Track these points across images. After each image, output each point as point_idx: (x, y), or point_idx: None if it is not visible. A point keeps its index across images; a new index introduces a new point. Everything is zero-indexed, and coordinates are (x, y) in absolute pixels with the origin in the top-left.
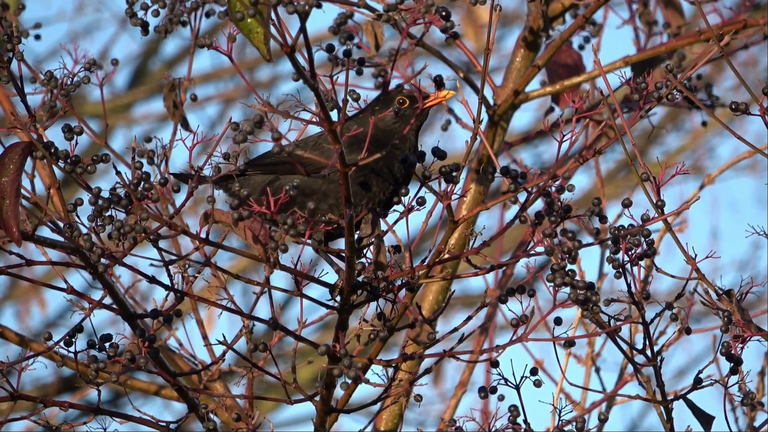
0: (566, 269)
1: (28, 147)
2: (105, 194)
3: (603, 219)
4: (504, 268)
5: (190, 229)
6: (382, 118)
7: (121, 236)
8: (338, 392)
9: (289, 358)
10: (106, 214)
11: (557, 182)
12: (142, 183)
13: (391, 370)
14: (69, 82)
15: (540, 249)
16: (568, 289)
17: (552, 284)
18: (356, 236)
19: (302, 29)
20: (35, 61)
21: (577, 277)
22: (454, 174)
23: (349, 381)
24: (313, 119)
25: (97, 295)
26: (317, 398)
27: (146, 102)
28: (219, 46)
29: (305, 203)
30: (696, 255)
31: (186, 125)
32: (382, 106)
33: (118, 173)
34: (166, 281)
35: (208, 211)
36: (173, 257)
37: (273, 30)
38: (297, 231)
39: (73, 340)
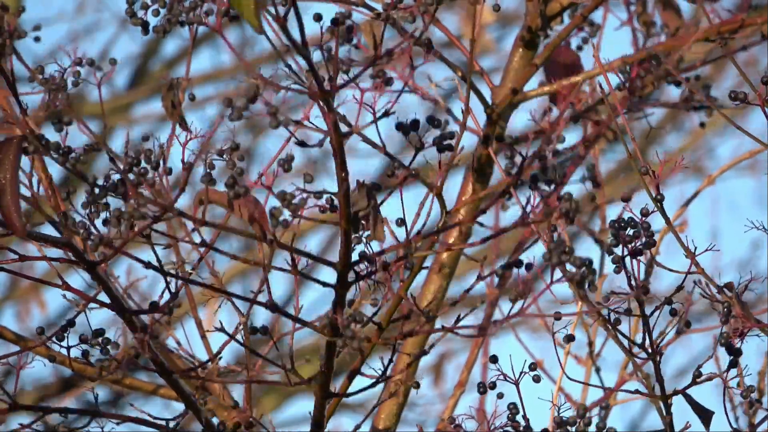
0: (563, 245)
1: (21, 141)
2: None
3: (597, 184)
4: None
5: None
6: None
7: (118, 221)
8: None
9: (287, 358)
10: (102, 201)
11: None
12: (135, 167)
13: (389, 357)
14: (68, 82)
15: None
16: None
17: (548, 261)
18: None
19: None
20: (34, 61)
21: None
22: (449, 143)
23: (353, 351)
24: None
25: (101, 295)
26: (315, 382)
27: (146, 102)
28: (208, 22)
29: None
30: (696, 248)
31: (184, 125)
32: None
33: (112, 160)
34: (164, 284)
35: (201, 192)
36: (171, 250)
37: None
38: (295, 205)
39: (65, 334)
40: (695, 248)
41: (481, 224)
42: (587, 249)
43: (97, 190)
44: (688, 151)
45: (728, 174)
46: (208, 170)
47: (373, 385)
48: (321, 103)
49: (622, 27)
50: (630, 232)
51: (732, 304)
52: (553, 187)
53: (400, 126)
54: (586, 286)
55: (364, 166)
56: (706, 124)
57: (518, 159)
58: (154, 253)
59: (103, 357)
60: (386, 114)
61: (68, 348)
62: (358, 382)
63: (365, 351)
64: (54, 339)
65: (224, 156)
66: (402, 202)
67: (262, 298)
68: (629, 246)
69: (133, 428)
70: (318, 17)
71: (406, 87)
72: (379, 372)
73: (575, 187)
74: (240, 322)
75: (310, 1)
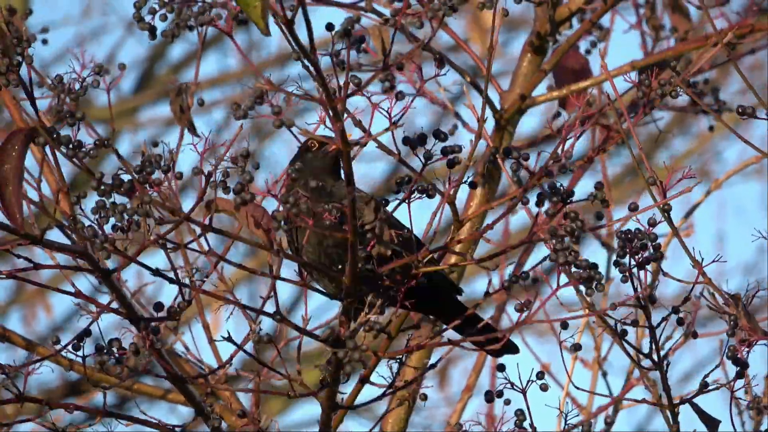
0: (569, 248)
1: (29, 133)
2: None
3: (605, 203)
4: (510, 271)
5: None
6: (311, 165)
7: (123, 221)
8: (344, 394)
9: (295, 363)
10: (110, 201)
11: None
12: (145, 168)
13: (396, 367)
14: (77, 87)
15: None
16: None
17: (554, 262)
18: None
19: (301, 1)
20: (42, 65)
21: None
22: (455, 156)
23: (355, 364)
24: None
25: (104, 299)
26: (322, 394)
27: (152, 106)
28: (218, 24)
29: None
30: (702, 259)
31: (192, 130)
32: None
33: (120, 158)
34: (172, 287)
35: (211, 199)
36: (178, 247)
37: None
38: (299, 209)
39: (81, 344)
40: (702, 259)
41: (488, 240)
42: (593, 251)
43: (103, 187)
44: (695, 154)
45: (735, 178)
46: (222, 179)
47: (380, 398)
48: (329, 111)
49: (631, 30)
50: (638, 243)
51: (739, 316)
52: (559, 206)
53: (407, 140)
54: (594, 286)
55: (368, 169)
56: (714, 128)
57: (524, 173)
58: (169, 260)
59: (117, 364)
60: (395, 125)
61: (83, 357)
62: (366, 388)
63: (367, 363)
64: (69, 348)
65: (238, 163)
66: (409, 213)
67: (270, 303)
68: (636, 257)
69: (139, 430)
70: (330, 27)
71: (415, 94)
72: (387, 381)
73: (582, 188)
74: (249, 332)
75: (319, 5)
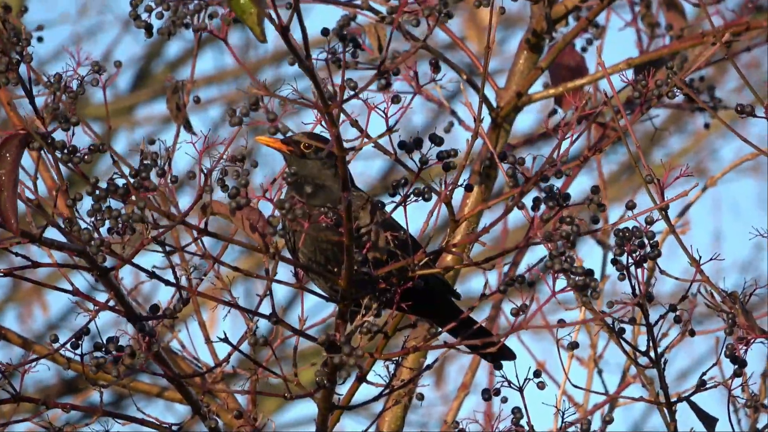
0: (565, 255)
1: (24, 138)
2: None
3: (601, 206)
4: (506, 270)
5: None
6: (306, 168)
7: (118, 225)
8: (340, 393)
9: (291, 362)
10: (105, 206)
11: (555, 168)
12: (140, 173)
13: (393, 367)
14: (74, 85)
15: (552, 244)
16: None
17: (550, 271)
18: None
19: (295, 7)
20: (38, 63)
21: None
22: (450, 160)
23: (351, 368)
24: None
25: (101, 297)
26: (318, 395)
27: (149, 104)
28: (213, 29)
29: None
30: (700, 257)
31: (189, 127)
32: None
33: (115, 162)
34: (169, 285)
35: (206, 203)
36: (174, 251)
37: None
38: (294, 214)
39: (80, 342)
40: (699, 256)
41: (483, 243)
42: (589, 249)
43: (98, 192)
44: (691, 153)
45: (731, 176)
46: (220, 176)
47: (377, 398)
48: (325, 116)
49: (627, 28)
50: (635, 242)
51: (736, 314)
52: (555, 209)
53: (403, 145)
54: (589, 293)
55: (365, 168)
56: (710, 125)
57: (521, 176)
58: (168, 260)
59: (114, 363)
60: (391, 130)
61: (81, 355)
62: (362, 387)
63: (363, 366)
64: (67, 346)
65: (235, 167)
66: (405, 215)
67: (265, 302)
68: (633, 255)
69: (136, 429)
70: (325, 32)
71: (412, 94)
72: (384, 381)
73: (578, 186)
74: (245, 332)
75: (314, 3)
